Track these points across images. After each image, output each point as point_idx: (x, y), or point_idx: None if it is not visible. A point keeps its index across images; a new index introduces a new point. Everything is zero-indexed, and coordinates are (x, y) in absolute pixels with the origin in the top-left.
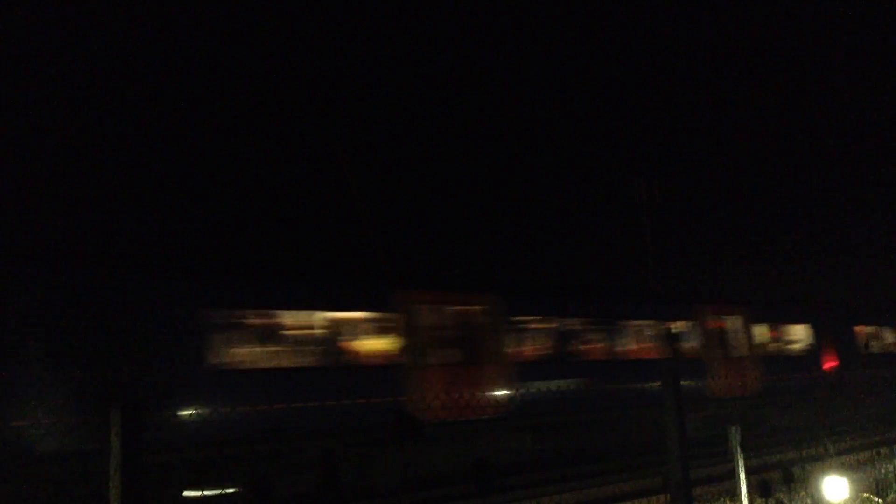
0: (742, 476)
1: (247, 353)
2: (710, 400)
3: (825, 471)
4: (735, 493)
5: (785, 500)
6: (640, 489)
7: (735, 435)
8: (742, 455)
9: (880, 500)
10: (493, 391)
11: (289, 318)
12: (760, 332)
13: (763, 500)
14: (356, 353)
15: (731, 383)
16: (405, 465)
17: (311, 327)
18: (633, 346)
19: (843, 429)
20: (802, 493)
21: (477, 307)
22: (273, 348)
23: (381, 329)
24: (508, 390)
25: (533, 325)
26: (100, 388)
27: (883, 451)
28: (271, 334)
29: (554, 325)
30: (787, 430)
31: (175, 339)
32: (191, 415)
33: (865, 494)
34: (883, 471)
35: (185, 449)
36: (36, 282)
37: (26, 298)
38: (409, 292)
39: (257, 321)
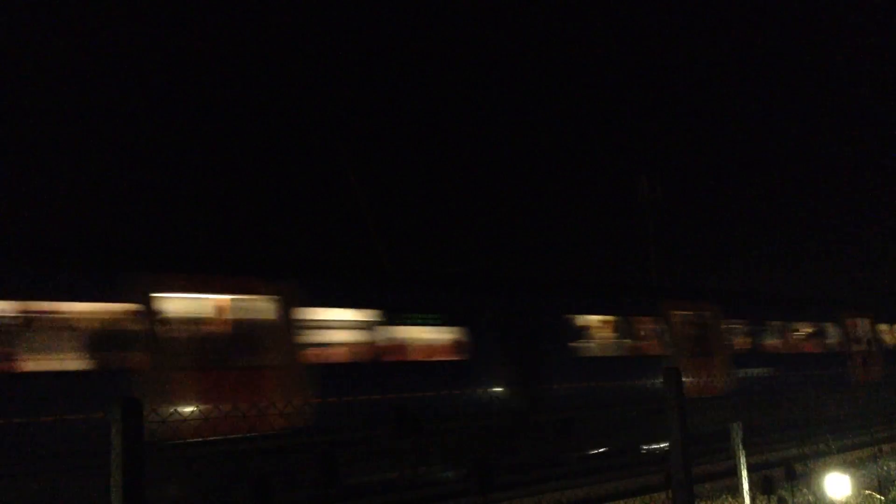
0: (744, 473)
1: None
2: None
3: (827, 468)
4: (737, 490)
5: (787, 497)
6: (641, 486)
7: (737, 432)
8: (744, 452)
9: (882, 498)
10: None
11: None
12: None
13: (765, 496)
14: None
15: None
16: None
17: None
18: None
19: (844, 425)
20: (804, 490)
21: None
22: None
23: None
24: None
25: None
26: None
27: (885, 447)
28: None
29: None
30: (789, 427)
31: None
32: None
33: (867, 492)
34: (885, 468)
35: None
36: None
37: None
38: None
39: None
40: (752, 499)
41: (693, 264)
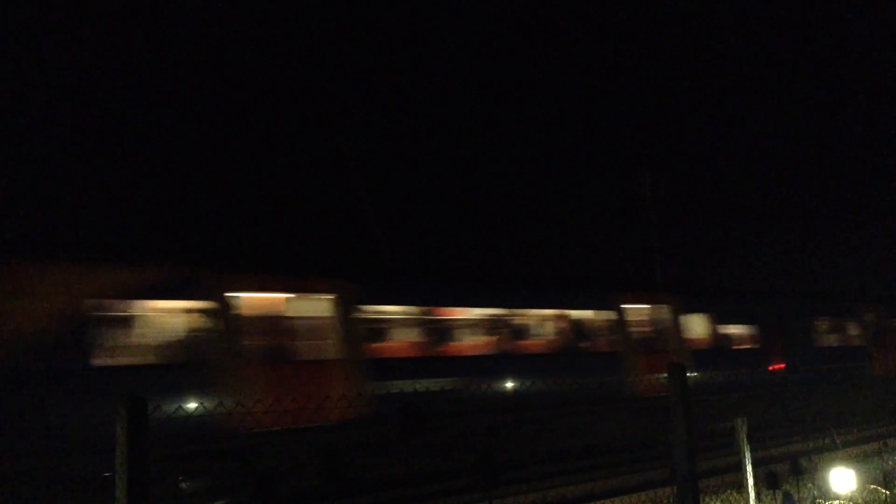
0: (749, 468)
1: None
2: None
3: (832, 462)
4: (742, 485)
5: (793, 492)
6: (646, 481)
7: (742, 427)
8: (749, 447)
9: (888, 492)
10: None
11: None
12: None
13: (770, 491)
14: None
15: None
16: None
17: None
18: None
19: (849, 419)
20: (810, 484)
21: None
22: None
23: None
24: None
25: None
26: None
27: (891, 442)
28: None
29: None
30: (797, 422)
31: None
32: None
33: (872, 486)
34: (890, 462)
35: None
36: None
37: None
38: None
39: None
40: (758, 494)
41: (694, 262)
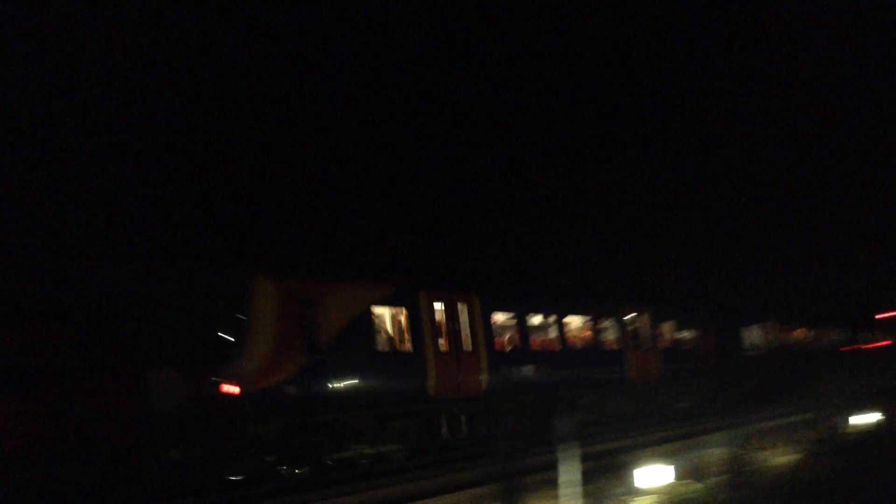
0: (566, 465)
1: None
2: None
3: (650, 458)
4: (561, 482)
5: (604, 487)
6: (473, 479)
7: (562, 424)
8: (568, 444)
9: (699, 485)
10: None
11: None
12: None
13: (584, 487)
14: None
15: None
16: None
17: None
18: None
19: (669, 417)
20: (629, 478)
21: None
22: None
23: None
24: None
25: None
26: None
27: (703, 439)
28: None
29: None
30: (619, 418)
31: None
32: None
33: (686, 480)
34: (697, 458)
35: None
36: None
37: None
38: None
39: None
40: (572, 489)
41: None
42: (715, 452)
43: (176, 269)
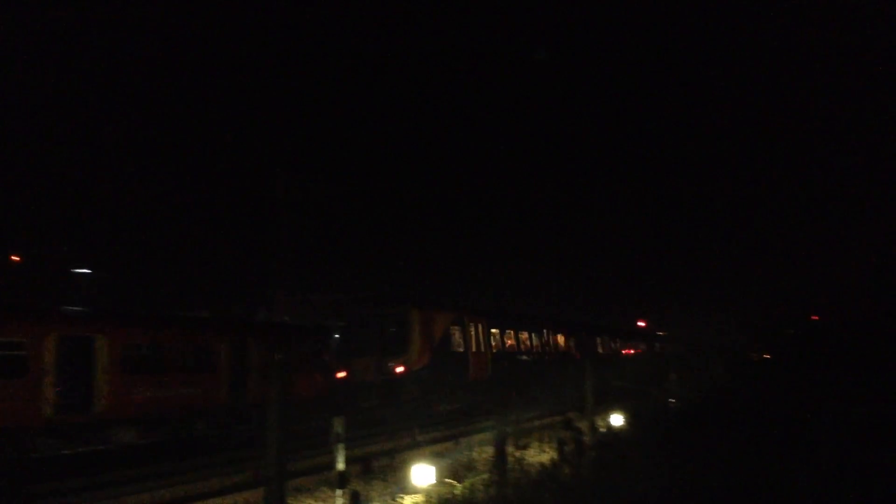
0: (341, 465)
1: None
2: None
3: (415, 459)
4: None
5: (372, 488)
6: (231, 485)
7: (338, 426)
8: (343, 445)
9: (459, 485)
10: None
11: None
12: None
13: (343, 490)
14: None
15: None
16: None
17: None
18: None
19: (434, 419)
20: (394, 480)
21: None
22: None
23: None
24: None
25: None
26: None
27: (463, 441)
28: None
29: None
30: (385, 421)
31: None
32: None
33: (447, 479)
34: (461, 458)
35: None
36: None
37: None
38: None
39: None
40: (343, 488)
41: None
42: (478, 452)
43: (376, 307)
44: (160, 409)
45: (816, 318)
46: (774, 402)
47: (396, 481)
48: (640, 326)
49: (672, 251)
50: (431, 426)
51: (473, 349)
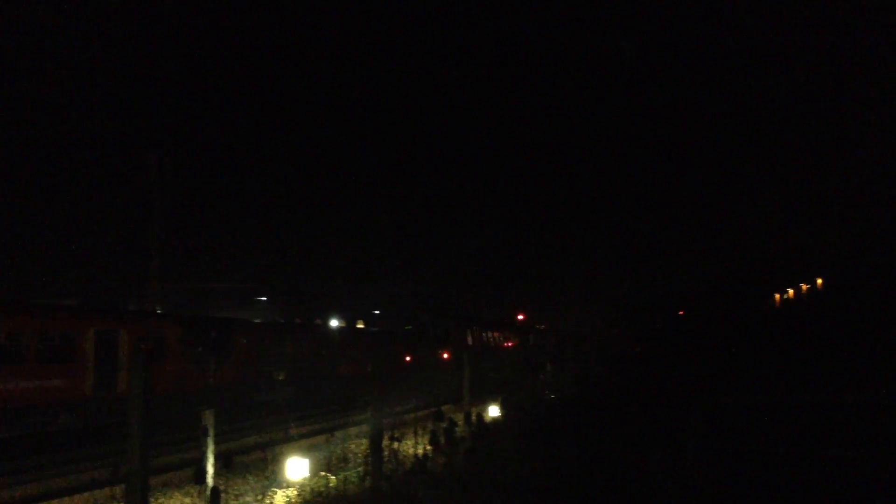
0: (211, 459)
1: None
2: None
3: (290, 452)
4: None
5: (247, 482)
6: (85, 483)
7: (209, 418)
8: (213, 438)
9: (333, 477)
10: None
11: None
12: None
13: (203, 485)
14: None
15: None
16: None
17: None
18: None
19: (308, 413)
20: (269, 472)
21: None
22: None
23: None
24: None
25: None
26: None
27: (337, 434)
28: None
29: None
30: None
31: None
32: None
33: (322, 473)
34: (335, 452)
35: None
36: None
37: None
38: None
39: None
40: (211, 481)
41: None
42: (353, 445)
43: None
44: (14, 402)
45: (682, 312)
46: (644, 391)
47: (269, 475)
48: (520, 320)
49: (552, 246)
50: (307, 418)
51: None
